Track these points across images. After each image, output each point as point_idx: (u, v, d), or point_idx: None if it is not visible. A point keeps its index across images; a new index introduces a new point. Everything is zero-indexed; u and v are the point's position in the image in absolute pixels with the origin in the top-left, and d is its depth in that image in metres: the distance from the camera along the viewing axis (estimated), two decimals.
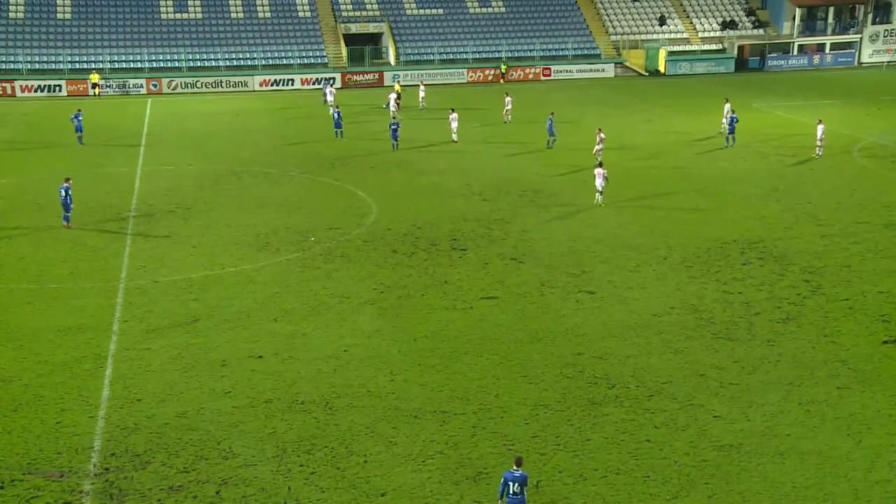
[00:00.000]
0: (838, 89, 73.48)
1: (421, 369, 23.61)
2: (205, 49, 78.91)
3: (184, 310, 27.75)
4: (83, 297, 28.90)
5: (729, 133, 50.61)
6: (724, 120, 52.54)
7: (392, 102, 62.42)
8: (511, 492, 16.67)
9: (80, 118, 53.11)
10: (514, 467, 16.89)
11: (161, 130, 58.18)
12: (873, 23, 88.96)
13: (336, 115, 54.83)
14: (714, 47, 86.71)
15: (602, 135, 45.88)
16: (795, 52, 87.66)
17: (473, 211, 38.27)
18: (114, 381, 23.04)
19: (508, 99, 59.96)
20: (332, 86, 69.47)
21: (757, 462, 19.14)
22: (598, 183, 38.55)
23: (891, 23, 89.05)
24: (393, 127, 50.49)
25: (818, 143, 47.48)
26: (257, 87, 76.99)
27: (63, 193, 35.88)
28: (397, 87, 68.68)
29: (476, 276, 30.46)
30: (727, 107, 53.18)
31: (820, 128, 47.52)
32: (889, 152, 48.96)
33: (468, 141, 53.27)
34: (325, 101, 66.28)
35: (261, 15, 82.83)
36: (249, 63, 78.70)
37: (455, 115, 53.01)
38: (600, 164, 39.74)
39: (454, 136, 52.49)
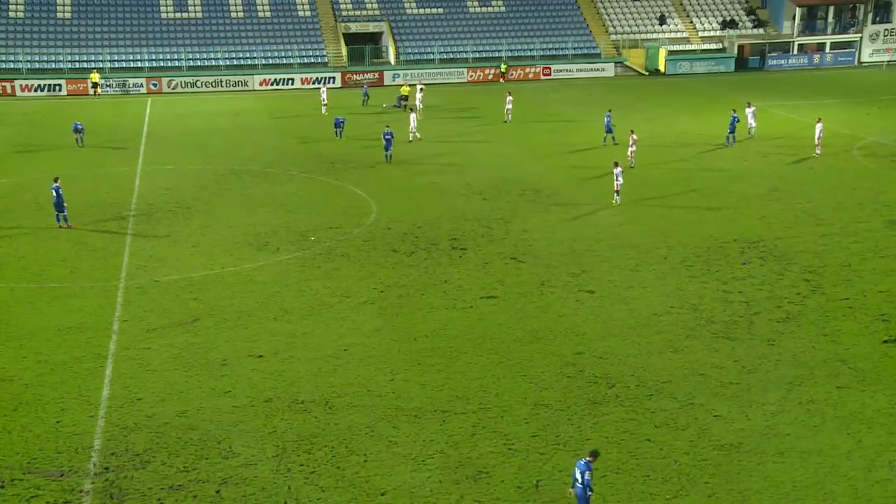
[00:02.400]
0: (838, 89, 73.43)
1: (421, 369, 23.61)
2: (205, 49, 78.88)
3: (184, 309, 27.75)
4: (83, 296, 28.90)
5: (729, 132, 50.62)
6: (749, 122, 52.49)
7: (417, 102, 62.73)
8: (575, 477, 16.93)
9: (79, 126, 52.44)
10: (588, 457, 17.08)
11: (161, 130, 58.16)
12: (873, 22, 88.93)
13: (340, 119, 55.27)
14: (714, 47, 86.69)
15: (635, 136, 45.66)
16: (795, 52, 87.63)
17: (473, 210, 38.26)
18: (114, 380, 23.05)
19: (509, 98, 59.97)
20: (326, 86, 69.57)
21: (757, 461, 19.14)
22: (617, 183, 38.46)
23: (891, 22, 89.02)
24: (387, 137, 47.40)
25: (817, 142, 47.49)
26: (257, 87, 76.98)
27: (54, 194, 35.85)
28: (405, 89, 68.16)
29: (476, 275, 30.45)
30: (749, 111, 53.00)
31: (818, 126, 47.52)
32: (889, 152, 48.93)
33: (468, 140, 53.29)
34: (364, 101, 67.06)
35: (261, 14, 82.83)
36: (249, 62, 78.69)
37: (413, 115, 53.51)
38: (616, 164, 39.62)
39: (417, 135, 52.51)
